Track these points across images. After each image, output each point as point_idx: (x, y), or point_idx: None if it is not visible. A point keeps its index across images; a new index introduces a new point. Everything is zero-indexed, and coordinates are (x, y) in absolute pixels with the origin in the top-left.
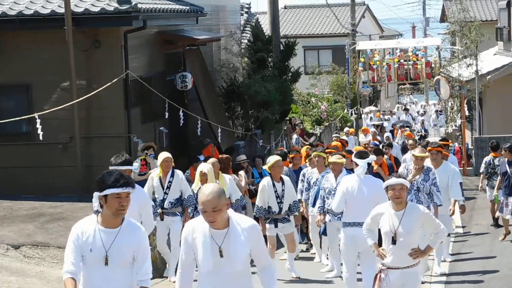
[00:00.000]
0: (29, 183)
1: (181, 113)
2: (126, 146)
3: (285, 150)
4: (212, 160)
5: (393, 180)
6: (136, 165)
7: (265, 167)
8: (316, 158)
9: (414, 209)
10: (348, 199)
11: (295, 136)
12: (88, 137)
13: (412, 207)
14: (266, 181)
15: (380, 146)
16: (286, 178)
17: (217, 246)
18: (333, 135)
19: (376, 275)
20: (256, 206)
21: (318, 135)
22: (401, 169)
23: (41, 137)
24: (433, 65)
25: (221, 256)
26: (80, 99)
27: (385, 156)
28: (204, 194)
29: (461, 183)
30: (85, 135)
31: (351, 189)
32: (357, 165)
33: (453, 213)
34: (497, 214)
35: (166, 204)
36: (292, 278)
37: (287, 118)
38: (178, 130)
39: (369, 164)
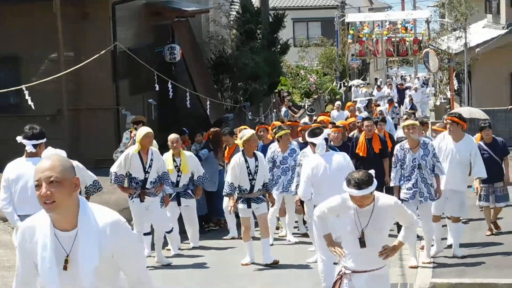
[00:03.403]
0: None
1: (169, 85)
2: (114, 118)
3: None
4: (173, 136)
5: (354, 192)
6: (125, 136)
7: (238, 141)
8: (281, 137)
9: (383, 202)
10: (313, 182)
11: (284, 108)
12: (76, 109)
13: (380, 200)
14: (237, 156)
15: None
16: (260, 154)
17: (63, 254)
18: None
19: (336, 281)
20: (226, 182)
21: (306, 107)
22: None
23: (33, 107)
24: (420, 38)
25: (65, 268)
26: (68, 70)
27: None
28: (41, 162)
29: None
30: (73, 107)
31: (315, 171)
32: (313, 145)
33: (478, 191)
34: (481, 203)
35: (148, 184)
36: (268, 265)
37: (276, 90)
38: (167, 102)
39: (326, 139)
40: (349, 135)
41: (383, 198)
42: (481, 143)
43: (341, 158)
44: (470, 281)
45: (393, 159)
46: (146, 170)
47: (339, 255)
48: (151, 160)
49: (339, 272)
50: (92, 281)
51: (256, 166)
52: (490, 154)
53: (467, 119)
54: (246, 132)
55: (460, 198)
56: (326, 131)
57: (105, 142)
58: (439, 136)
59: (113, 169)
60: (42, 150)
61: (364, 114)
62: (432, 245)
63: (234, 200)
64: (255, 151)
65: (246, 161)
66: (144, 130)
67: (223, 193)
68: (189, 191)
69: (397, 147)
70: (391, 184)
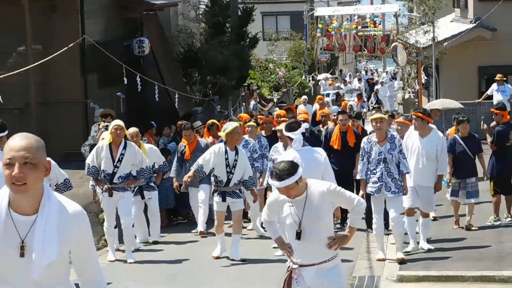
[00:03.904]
0: None
1: (138, 79)
2: (82, 112)
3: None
4: (132, 129)
5: (276, 184)
6: (94, 129)
7: (221, 133)
8: (249, 129)
9: (317, 188)
10: None
11: (252, 102)
12: (44, 102)
13: (314, 186)
14: (218, 146)
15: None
16: (241, 150)
17: (18, 240)
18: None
19: (285, 279)
20: (196, 162)
21: (276, 101)
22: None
23: (0, 100)
24: (388, 36)
25: (22, 255)
26: (36, 63)
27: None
28: (15, 139)
29: None
30: (41, 101)
31: None
32: (290, 139)
33: (438, 189)
34: (452, 198)
35: (115, 179)
36: (235, 260)
37: (245, 84)
38: (136, 95)
39: (303, 134)
40: (322, 128)
41: (315, 185)
42: (457, 137)
43: (318, 154)
44: (437, 273)
45: (360, 152)
46: (115, 164)
47: (289, 255)
48: (122, 154)
49: (288, 268)
50: (43, 273)
51: (235, 160)
52: (464, 148)
53: (441, 111)
54: (229, 125)
55: (429, 194)
56: (304, 126)
57: (74, 135)
58: (406, 132)
59: (87, 160)
60: (3, 143)
61: (334, 107)
62: (407, 242)
63: (194, 175)
64: (237, 146)
65: (226, 152)
66: (114, 122)
67: (192, 169)
68: (152, 184)
69: (364, 139)
70: (357, 177)
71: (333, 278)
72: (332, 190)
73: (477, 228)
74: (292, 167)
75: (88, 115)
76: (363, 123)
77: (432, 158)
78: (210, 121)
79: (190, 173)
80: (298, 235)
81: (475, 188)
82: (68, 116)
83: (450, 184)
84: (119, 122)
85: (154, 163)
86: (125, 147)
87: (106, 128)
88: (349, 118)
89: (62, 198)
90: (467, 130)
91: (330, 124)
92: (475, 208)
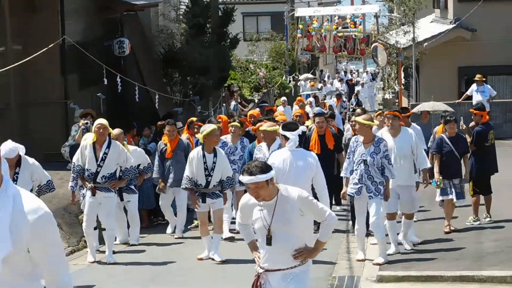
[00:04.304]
0: None
1: (118, 79)
2: (62, 112)
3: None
4: (118, 130)
5: (245, 179)
6: (74, 129)
7: (198, 135)
8: (232, 129)
9: (288, 194)
10: (279, 176)
11: (233, 102)
12: (24, 103)
13: (284, 192)
14: (196, 151)
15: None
16: (220, 151)
17: None
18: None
19: (253, 284)
20: (184, 177)
21: (256, 101)
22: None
23: None
24: (370, 34)
25: None
26: (16, 64)
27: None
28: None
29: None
30: (21, 102)
31: (283, 165)
32: (286, 138)
33: (427, 185)
34: (442, 197)
35: (99, 178)
36: (217, 262)
37: (225, 84)
38: (116, 96)
39: (300, 136)
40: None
41: (287, 191)
42: (444, 137)
43: (310, 157)
44: (417, 273)
45: (348, 150)
46: (98, 163)
47: (257, 260)
48: (105, 153)
49: (256, 272)
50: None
51: (214, 162)
52: (451, 148)
53: (431, 112)
54: (206, 127)
55: (410, 193)
56: (302, 128)
57: (53, 136)
58: (377, 134)
59: (73, 159)
60: None
61: (317, 108)
62: (388, 243)
63: (193, 195)
64: (216, 147)
65: (204, 156)
66: (97, 121)
67: (181, 187)
68: (132, 186)
69: (352, 138)
70: (342, 174)
71: (296, 283)
72: (303, 198)
73: (456, 228)
74: (265, 166)
75: (68, 115)
76: (343, 123)
77: (408, 156)
78: (189, 119)
79: (192, 198)
80: (268, 241)
81: (461, 189)
82: (48, 117)
83: (438, 183)
84: (102, 121)
85: (139, 164)
86: (108, 146)
87: (86, 126)
88: (325, 120)
89: (25, 193)
90: (455, 130)
91: (308, 123)
92: (454, 208)
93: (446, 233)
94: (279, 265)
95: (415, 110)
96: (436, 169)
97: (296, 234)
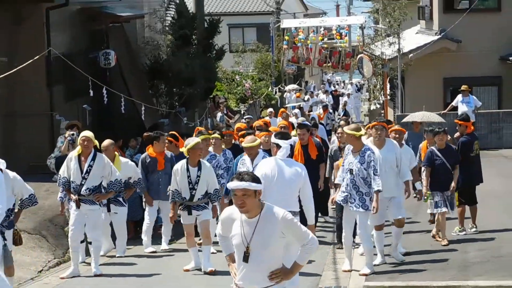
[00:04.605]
0: None
1: (104, 91)
2: (48, 124)
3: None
4: (108, 141)
5: (233, 184)
6: (60, 141)
7: (183, 149)
8: (213, 141)
9: (271, 214)
10: (267, 186)
11: (219, 114)
12: (10, 114)
13: (268, 211)
14: (180, 164)
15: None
16: (205, 164)
17: None
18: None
19: None
20: (169, 190)
21: (242, 112)
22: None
23: None
24: (355, 47)
25: None
26: (1, 76)
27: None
28: None
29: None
30: (7, 113)
31: (271, 174)
32: (278, 147)
33: (408, 196)
34: (437, 210)
35: (83, 191)
36: (206, 272)
37: (211, 95)
38: (102, 108)
39: (292, 147)
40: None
41: (271, 210)
42: (434, 149)
43: (299, 168)
44: (403, 283)
45: (332, 160)
46: (83, 175)
47: (233, 276)
48: (90, 166)
49: None
50: None
51: (198, 176)
52: (442, 161)
53: (423, 123)
54: (191, 140)
55: (398, 201)
56: (294, 139)
57: (39, 148)
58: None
59: (60, 171)
60: None
61: (301, 119)
62: (375, 254)
63: (174, 209)
64: (201, 160)
65: (187, 169)
66: (82, 133)
67: (169, 201)
68: (120, 199)
69: (347, 146)
70: (336, 181)
71: None
72: (287, 220)
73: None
74: (256, 177)
75: (54, 127)
76: (329, 134)
77: (394, 167)
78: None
79: (172, 211)
80: (245, 258)
81: (452, 201)
82: (33, 128)
83: (426, 197)
84: (87, 133)
85: (129, 178)
86: (93, 159)
87: (72, 138)
88: (307, 131)
89: None
90: (444, 142)
91: (293, 133)
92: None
93: (444, 245)
94: (254, 284)
95: (405, 120)
96: (424, 183)
97: (275, 255)
